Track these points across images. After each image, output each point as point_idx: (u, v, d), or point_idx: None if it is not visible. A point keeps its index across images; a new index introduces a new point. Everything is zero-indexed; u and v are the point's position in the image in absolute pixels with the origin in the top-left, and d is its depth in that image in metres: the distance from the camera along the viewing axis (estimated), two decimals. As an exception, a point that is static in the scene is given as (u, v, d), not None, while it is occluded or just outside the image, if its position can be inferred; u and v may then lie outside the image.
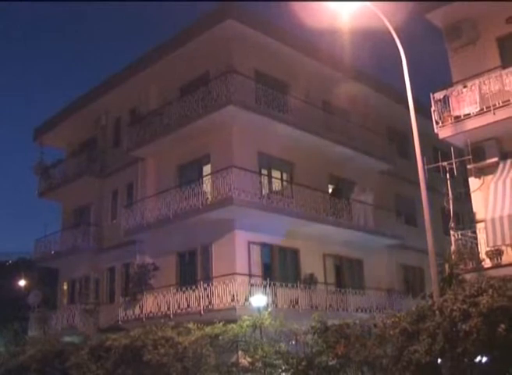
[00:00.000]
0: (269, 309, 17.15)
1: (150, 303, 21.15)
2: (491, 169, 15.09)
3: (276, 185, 22.01)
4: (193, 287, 19.88)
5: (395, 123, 27.38)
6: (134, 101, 25.89)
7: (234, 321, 15.98)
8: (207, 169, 21.69)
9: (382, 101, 26.90)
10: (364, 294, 22.82)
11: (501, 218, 13.66)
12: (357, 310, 20.98)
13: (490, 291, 9.86)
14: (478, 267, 13.72)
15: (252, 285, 19.00)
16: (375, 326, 12.52)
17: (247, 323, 15.68)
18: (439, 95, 15.72)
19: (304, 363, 13.69)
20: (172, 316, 19.66)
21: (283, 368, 14.60)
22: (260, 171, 21.70)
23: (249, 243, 20.18)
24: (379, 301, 21.76)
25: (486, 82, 14.91)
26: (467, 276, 13.46)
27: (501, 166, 14.88)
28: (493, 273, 12.79)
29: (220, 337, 15.58)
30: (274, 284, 19.33)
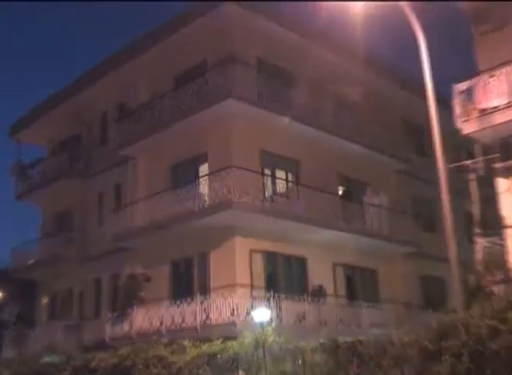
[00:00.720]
0: (273, 325, 17.17)
1: (140, 318, 21.23)
2: (522, 169, 15.05)
3: (281, 187, 22.19)
4: (189, 299, 19.99)
5: (412, 117, 27.42)
6: (122, 94, 26.00)
7: (234, 338, 15.88)
8: (204, 169, 21.88)
9: (399, 93, 26.99)
10: (379, 307, 22.90)
11: (533, 223, 13.46)
12: (371, 326, 20.94)
13: (522, 305, 9.76)
14: (508, 278, 13.67)
15: (254, 298, 19.10)
16: (392, 344, 12.31)
17: (249, 339, 15.52)
18: (462, 86, 15.69)
19: (312, 385, 13.55)
20: (165, 332, 19.71)
21: (289, 391, 14.51)
22: (263, 171, 21.88)
23: (251, 251, 20.38)
24: (396, 316, 21.82)
25: (516, 71, 14.66)
26: (495, 289, 13.38)
27: (533, 165, 14.78)
28: (525, 284, 12.50)
29: (218, 356, 15.48)
30: (278, 297, 19.40)
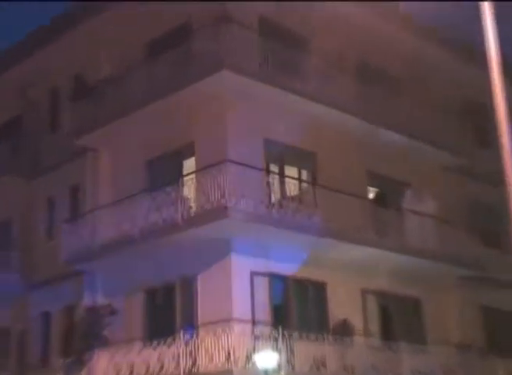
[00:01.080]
0: (282, 373, 17.17)
1: (104, 365, 21.01)
2: None
3: (291, 188, 21.88)
4: (170, 340, 19.75)
5: (471, 97, 27.31)
6: (79, 65, 25.88)
7: (230, 391, 15.75)
8: (189, 164, 21.75)
9: (452, 64, 26.89)
10: (425, 350, 22.70)
11: None
12: (413, 375, 20.62)
13: None
14: None
15: (257, 337, 18.91)
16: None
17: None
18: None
19: None
20: (138, 384, 19.49)
21: None
22: (267, 168, 21.73)
23: (252, 274, 20.18)
24: (448, 363, 21.78)
25: None
26: None
27: None
28: None
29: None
30: (289, 336, 19.24)
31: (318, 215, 21.15)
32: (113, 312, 22.29)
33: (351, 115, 22.91)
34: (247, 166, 19.85)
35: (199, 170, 20.65)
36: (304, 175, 23.22)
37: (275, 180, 21.44)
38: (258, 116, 21.50)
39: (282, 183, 21.80)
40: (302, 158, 22.90)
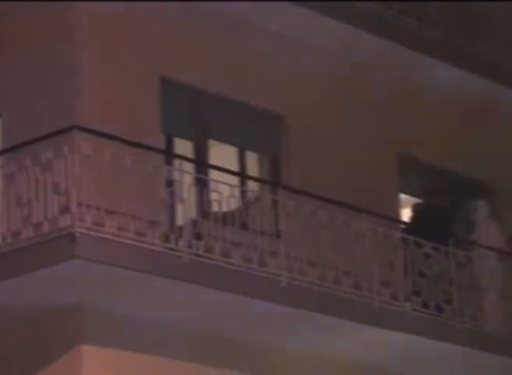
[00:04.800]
0: None
1: None
2: None
3: (224, 198, 13.84)
4: None
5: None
6: None
7: None
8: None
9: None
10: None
11: None
12: None
13: None
14: None
15: None
16: None
17: None
18: None
19: None
20: None
21: None
22: (169, 143, 14.90)
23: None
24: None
25: None
26: None
27: None
28: None
29: None
30: None
31: (288, 253, 13.55)
32: None
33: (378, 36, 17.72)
34: (122, 140, 12.60)
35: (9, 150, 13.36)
36: (255, 165, 16.03)
37: (184, 179, 13.10)
38: (145, 28, 15.46)
39: (203, 187, 13.51)
40: (257, 125, 16.21)
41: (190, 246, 11.99)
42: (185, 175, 12.46)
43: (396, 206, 17.69)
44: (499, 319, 16.31)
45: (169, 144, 15.06)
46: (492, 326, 15.94)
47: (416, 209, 17.31)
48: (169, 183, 12.24)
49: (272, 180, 15.56)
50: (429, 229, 15.43)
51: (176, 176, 12.43)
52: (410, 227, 16.27)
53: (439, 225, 16.15)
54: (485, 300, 16.20)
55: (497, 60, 19.37)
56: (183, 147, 15.04)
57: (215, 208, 12.86)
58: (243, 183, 14.67)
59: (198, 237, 12.19)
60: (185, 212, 12.45)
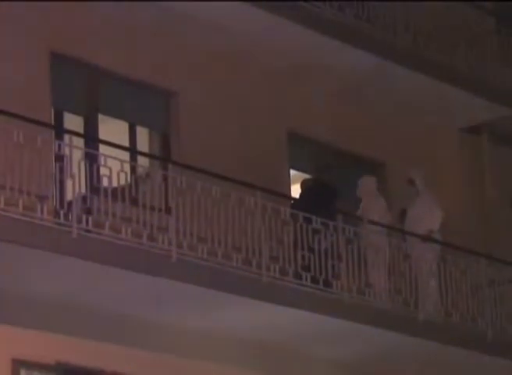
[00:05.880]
0: None
1: None
2: None
3: (114, 173, 13.34)
4: None
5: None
6: None
7: None
8: None
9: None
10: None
11: None
12: None
13: None
14: None
15: None
16: None
17: None
18: None
19: None
20: None
21: None
22: (59, 120, 14.39)
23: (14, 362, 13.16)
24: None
25: None
26: None
27: None
28: None
29: None
30: None
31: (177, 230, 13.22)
32: None
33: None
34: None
35: None
36: (145, 140, 15.86)
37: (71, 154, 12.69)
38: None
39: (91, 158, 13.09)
40: (146, 99, 16.02)
41: (79, 221, 11.71)
42: (75, 150, 12.22)
43: (287, 182, 17.69)
44: (386, 294, 16.50)
45: (59, 118, 14.75)
46: (380, 301, 16.13)
47: (304, 185, 17.39)
48: (59, 157, 11.98)
49: (163, 156, 15.53)
50: (315, 205, 15.61)
51: (65, 151, 12.12)
52: (298, 203, 16.39)
53: (324, 201, 16.39)
54: (372, 275, 16.44)
55: (386, 37, 19.34)
56: (73, 122, 14.74)
57: (104, 183, 12.61)
58: (133, 159, 14.52)
59: (88, 212, 11.97)
60: (75, 187, 12.12)
